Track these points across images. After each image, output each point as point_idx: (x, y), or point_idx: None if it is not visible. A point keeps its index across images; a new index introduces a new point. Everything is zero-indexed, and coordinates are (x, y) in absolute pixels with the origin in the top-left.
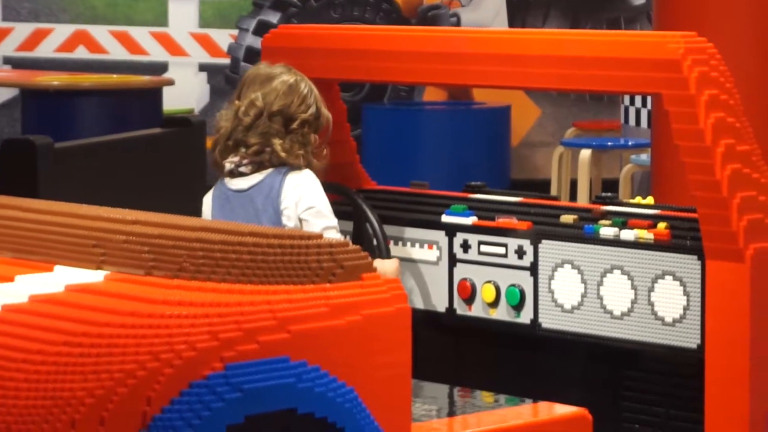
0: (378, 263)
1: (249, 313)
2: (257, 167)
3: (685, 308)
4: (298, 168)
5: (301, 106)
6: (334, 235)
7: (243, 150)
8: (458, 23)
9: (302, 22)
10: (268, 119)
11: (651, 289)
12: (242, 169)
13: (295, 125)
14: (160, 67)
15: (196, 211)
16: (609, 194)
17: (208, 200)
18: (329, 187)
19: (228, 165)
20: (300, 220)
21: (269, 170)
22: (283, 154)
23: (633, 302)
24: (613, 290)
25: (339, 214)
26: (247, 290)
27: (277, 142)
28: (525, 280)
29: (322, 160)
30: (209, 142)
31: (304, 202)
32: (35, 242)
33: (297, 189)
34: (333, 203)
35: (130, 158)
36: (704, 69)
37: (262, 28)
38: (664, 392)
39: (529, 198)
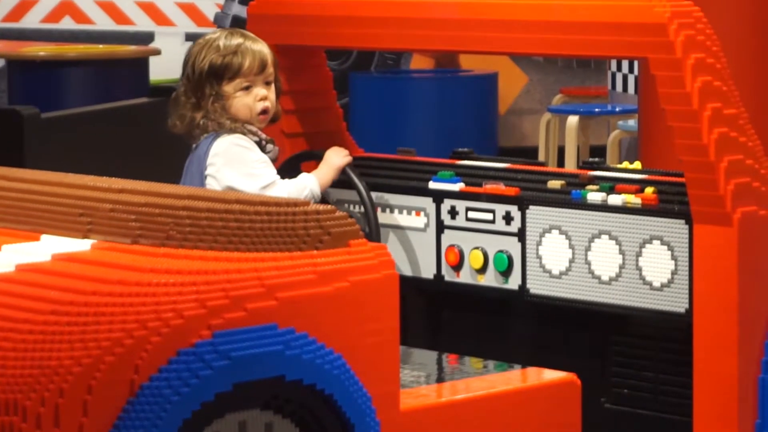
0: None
1: (236, 281)
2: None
3: (673, 273)
4: (229, 131)
5: (189, 64)
6: None
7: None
8: None
9: None
10: (183, 95)
11: (639, 254)
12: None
13: (193, 88)
14: (147, 37)
15: None
16: (596, 159)
17: None
18: (315, 155)
19: None
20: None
21: (206, 134)
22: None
23: (621, 267)
24: (601, 255)
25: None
26: (234, 258)
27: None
28: (513, 246)
29: (232, 114)
30: None
31: (211, 170)
32: (22, 211)
33: (213, 157)
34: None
35: (117, 128)
36: (690, 32)
37: None
38: (653, 357)
39: (517, 164)
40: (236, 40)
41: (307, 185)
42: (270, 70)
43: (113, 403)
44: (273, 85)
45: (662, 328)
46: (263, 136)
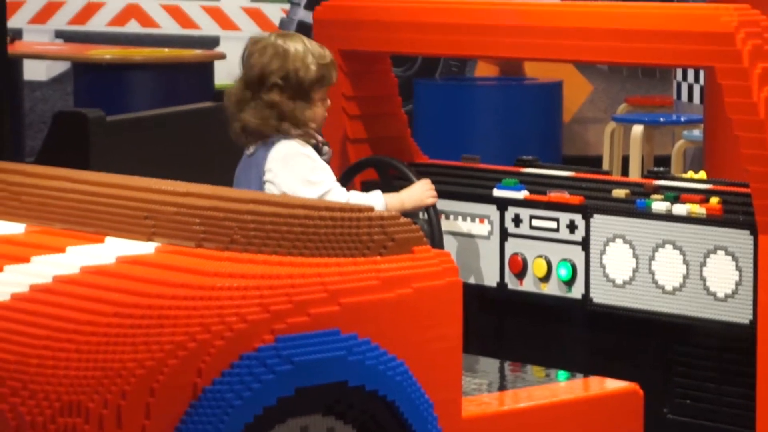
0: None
1: (300, 286)
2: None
3: (737, 283)
4: (289, 137)
5: (270, 68)
6: None
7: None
8: None
9: None
10: (244, 87)
11: (703, 264)
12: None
13: (263, 91)
14: (212, 41)
15: None
16: (661, 168)
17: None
18: (380, 161)
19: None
20: None
21: (267, 138)
22: (253, 124)
23: (685, 277)
24: (665, 265)
25: (392, 188)
26: (297, 263)
27: (245, 115)
28: (576, 254)
29: (311, 122)
30: None
31: (269, 176)
32: (87, 214)
33: (272, 162)
34: (386, 176)
35: (182, 132)
36: (758, 42)
37: (313, 2)
38: (716, 368)
39: (581, 172)
40: (326, 51)
41: (370, 203)
42: None
43: (176, 406)
44: None
45: (725, 339)
46: (320, 138)
